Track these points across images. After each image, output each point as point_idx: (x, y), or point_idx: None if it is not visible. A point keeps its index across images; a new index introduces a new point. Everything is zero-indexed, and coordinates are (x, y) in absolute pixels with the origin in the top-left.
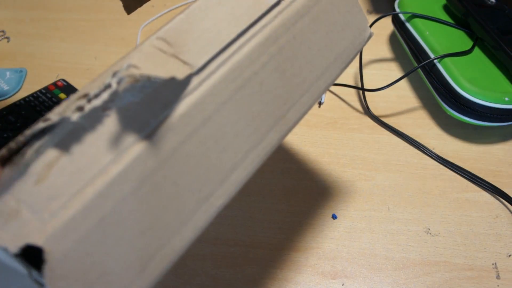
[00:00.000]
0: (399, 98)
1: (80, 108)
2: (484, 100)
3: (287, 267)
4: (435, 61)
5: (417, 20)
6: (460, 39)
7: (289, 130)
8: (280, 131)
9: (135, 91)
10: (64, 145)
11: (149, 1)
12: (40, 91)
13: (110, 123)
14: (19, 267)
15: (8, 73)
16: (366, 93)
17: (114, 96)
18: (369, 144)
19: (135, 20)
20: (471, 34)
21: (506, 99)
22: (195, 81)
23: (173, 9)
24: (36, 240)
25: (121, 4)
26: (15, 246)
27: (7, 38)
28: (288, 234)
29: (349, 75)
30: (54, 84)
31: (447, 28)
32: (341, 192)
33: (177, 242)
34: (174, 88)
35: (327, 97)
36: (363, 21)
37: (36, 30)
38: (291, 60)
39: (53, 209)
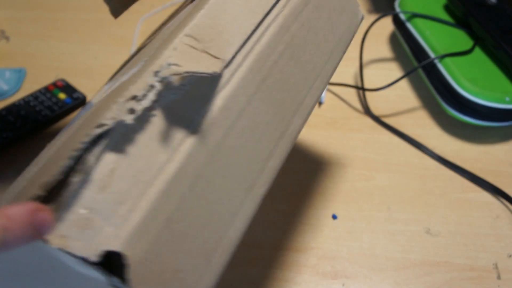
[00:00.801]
0: (399, 98)
1: (132, 111)
2: (485, 100)
3: (287, 267)
4: (436, 61)
5: (417, 19)
6: (460, 39)
7: (309, 114)
8: (302, 116)
9: (176, 89)
10: (121, 149)
11: (138, 1)
12: (39, 91)
13: (158, 122)
14: (97, 275)
15: (7, 73)
16: (366, 93)
17: (159, 96)
18: (369, 144)
19: (135, 20)
20: (471, 33)
21: (507, 99)
22: (226, 74)
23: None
24: (114, 246)
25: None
26: (94, 254)
27: (7, 37)
28: (288, 234)
29: (349, 75)
30: (54, 84)
31: (447, 27)
32: (341, 192)
33: (232, 233)
34: (210, 83)
35: (327, 97)
36: (356, 5)
37: (35, 30)
38: (303, 47)
39: (123, 214)
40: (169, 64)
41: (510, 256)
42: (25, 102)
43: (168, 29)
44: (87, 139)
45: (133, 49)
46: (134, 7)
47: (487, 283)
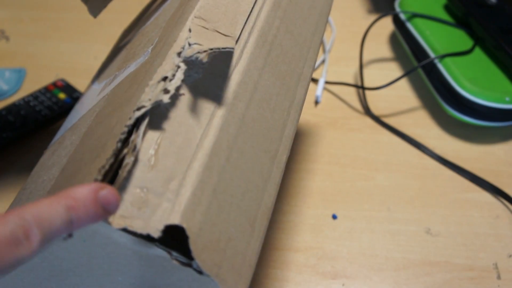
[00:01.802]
0: (399, 98)
1: (166, 91)
2: (485, 100)
3: (287, 267)
4: (436, 60)
5: (417, 19)
6: (460, 39)
7: (308, 84)
8: (304, 86)
9: (198, 67)
10: (161, 128)
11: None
12: (39, 91)
13: (188, 100)
14: (159, 251)
15: (7, 73)
16: (367, 93)
17: (185, 75)
18: (369, 144)
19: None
20: (471, 33)
21: (507, 99)
22: (237, 50)
23: None
24: (174, 219)
25: (121, 3)
26: (157, 230)
27: (7, 37)
28: (288, 234)
29: (349, 75)
30: (54, 84)
31: (447, 27)
32: (341, 192)
33: (267, 199)
34: (225, 60)
35: (327, 97)
36: None
37: (35, 29)
38: (293, 21)
39: (174, 189)
40: (191, 44)
41: (510, 256)
42: (25, 102)
43: (160, 19)
44: (130, 122)
45: None
46: (134, 7)
47: (487, 283)
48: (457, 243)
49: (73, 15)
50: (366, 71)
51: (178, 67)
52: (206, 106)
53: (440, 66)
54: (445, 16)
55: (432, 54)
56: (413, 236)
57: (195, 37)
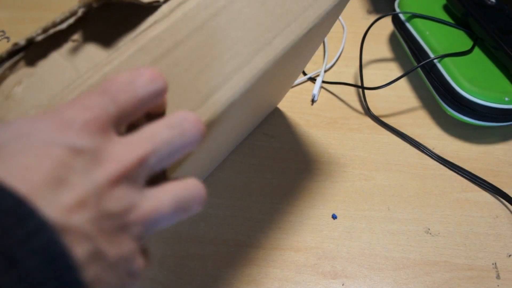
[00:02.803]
0: (399, 98)
1: (45, 30)
2: (484, 100)
3: (287, 267)
4: (435, 61)
5: (417, 20)
6: (460, 39)
7: (277, 56)
8: (268, 57)
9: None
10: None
11: None
12: None
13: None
14: None
15: None
16: (366, 93)
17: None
18: (369, 144)
19: None
20: (471, 34)
21: (506, 99)
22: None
23: None
24: None
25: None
26: None
27: (7, 38)
28: (288, 234)
29: (349, 75)
30: None
31: (447, 28)
32: (341, 192)
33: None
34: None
35: (327, 97)
36: None
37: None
38: None
39: None
40: None
41: (509, 255)
42: None
43: None
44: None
45: None
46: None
47: (486, 283)
48: (457, 243)
49: None
50: (366, 71)
51: (74, 13)
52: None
53: (440, 66)
54: (444, 16)
55: (431, 54)
56: (413, 236)
57: None
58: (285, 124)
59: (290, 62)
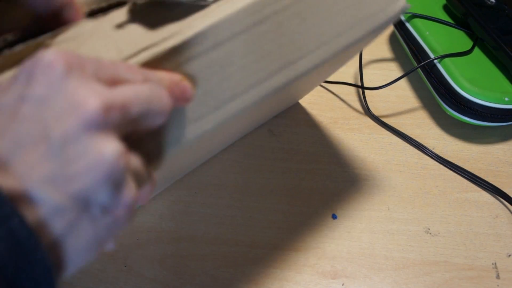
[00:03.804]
0: (399, 98)
1: None
2: (484, 100)
3: (287, 267)
4: (435, 61)
5: (417, 20)
6: (460, 39)
7: (297, 76)
8: (288, 76)
9: None
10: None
11: None
12: None
13: None
14: None
15: None
16: (366, 93)
17: None
18: (369, 144)
19: None
20: (471, 34)
21: (506, 99)
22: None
23: None
24: None
25: None
26: None
27: None
28: (288, 234)
29: (349, 75)
30: None
31: (447, 28)
32: (341, 192)
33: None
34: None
35: (327, 97)
36: None
37: None
38: (314, 10)
39: None
40: None
41: (509, 255)
42: None
43: None
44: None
45: None
46: None
47: (486, 283)
48: (457, 243)
49: None
50: (366, 71)
51: None
52: None
53: (440, 67)
54: (444, 16)
55: (431, 55)
56: (413, 236)
57: None
58: (285, 124)
59: (331, 66)
